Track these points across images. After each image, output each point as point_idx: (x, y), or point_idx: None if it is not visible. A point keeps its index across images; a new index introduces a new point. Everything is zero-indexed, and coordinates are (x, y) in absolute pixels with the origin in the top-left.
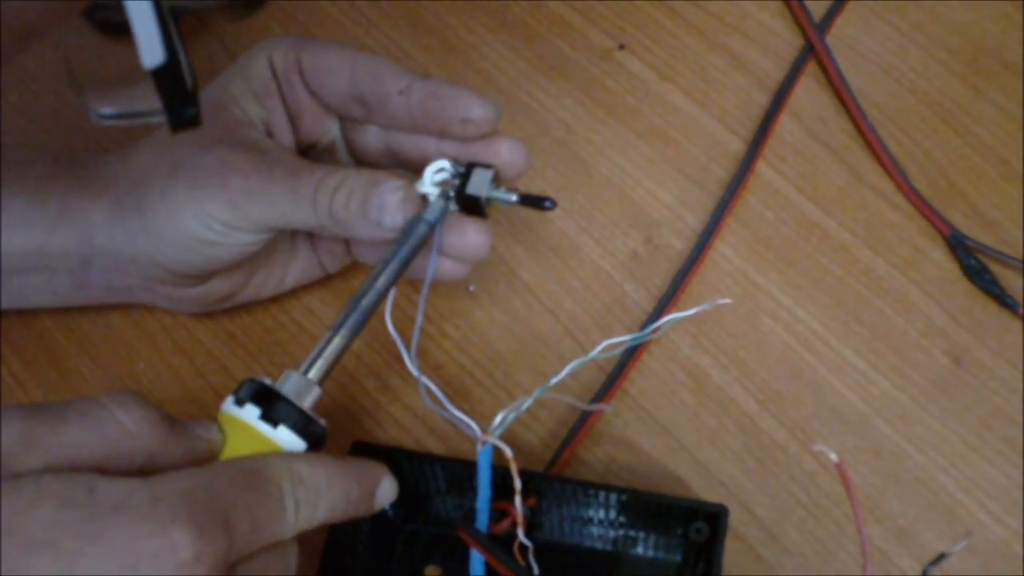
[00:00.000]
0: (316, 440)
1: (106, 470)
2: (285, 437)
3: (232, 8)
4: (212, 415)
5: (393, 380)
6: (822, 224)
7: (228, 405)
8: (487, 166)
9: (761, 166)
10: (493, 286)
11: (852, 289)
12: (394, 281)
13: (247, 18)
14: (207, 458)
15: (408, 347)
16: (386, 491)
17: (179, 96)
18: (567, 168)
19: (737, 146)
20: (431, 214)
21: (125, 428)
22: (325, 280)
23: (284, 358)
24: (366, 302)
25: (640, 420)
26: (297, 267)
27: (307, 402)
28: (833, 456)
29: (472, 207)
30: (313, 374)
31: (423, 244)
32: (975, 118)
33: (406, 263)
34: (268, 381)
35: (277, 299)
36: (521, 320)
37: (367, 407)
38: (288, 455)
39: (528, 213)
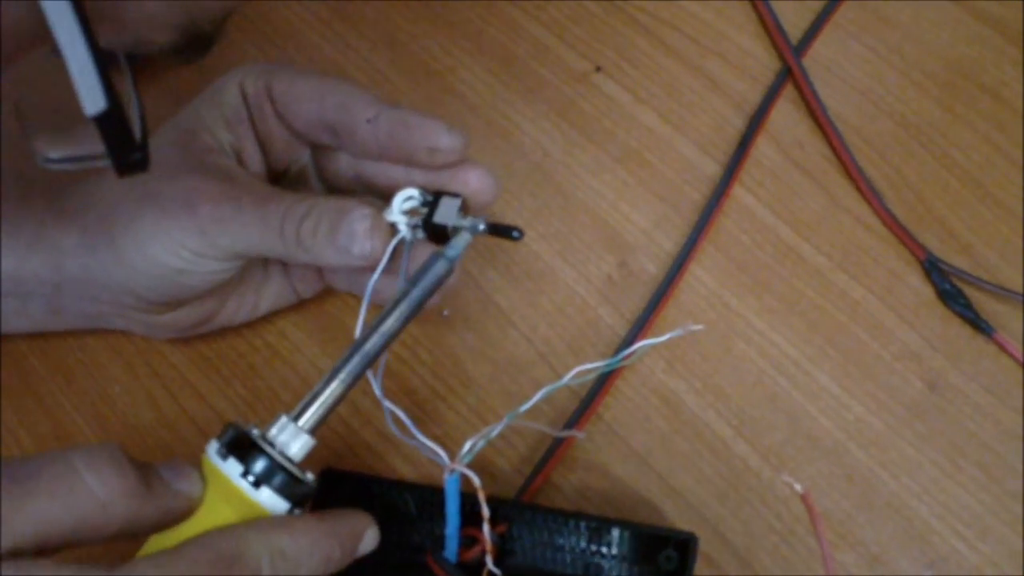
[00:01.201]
0: (302, 500)
1: (78, 542)
2: (268, 499)
3: (179, 52)
4: (187, 441)
5: (365, 404)
6: (798, 248)
7: (212, 452)
8: (455, 195)
9: (737, 189)
10: (467, 310)
11: (827, 314)
12: (405, 324)
13: (196, 61)
14: (186, 515)
15: (375, 373)
16: (368, 542)
17: (124, 142)
18: (543, 192)
19: (713, 169)
20: (453, 250)
21: (97, 497)
22: (299, 305)
23: (258, 382)
24: (370, 347)
25: (613, 446)
26: (270, 293)
27: (297, 453)
28: (798, 487)
29: (440, 236)
30: (305, 422)
31: (441, 284)
32: (952, 141)
33: (420, 306)
34: (255, 431)
35: (251, 324)
36: (495, 345)
37: (339, 431)
38: (269, 526)
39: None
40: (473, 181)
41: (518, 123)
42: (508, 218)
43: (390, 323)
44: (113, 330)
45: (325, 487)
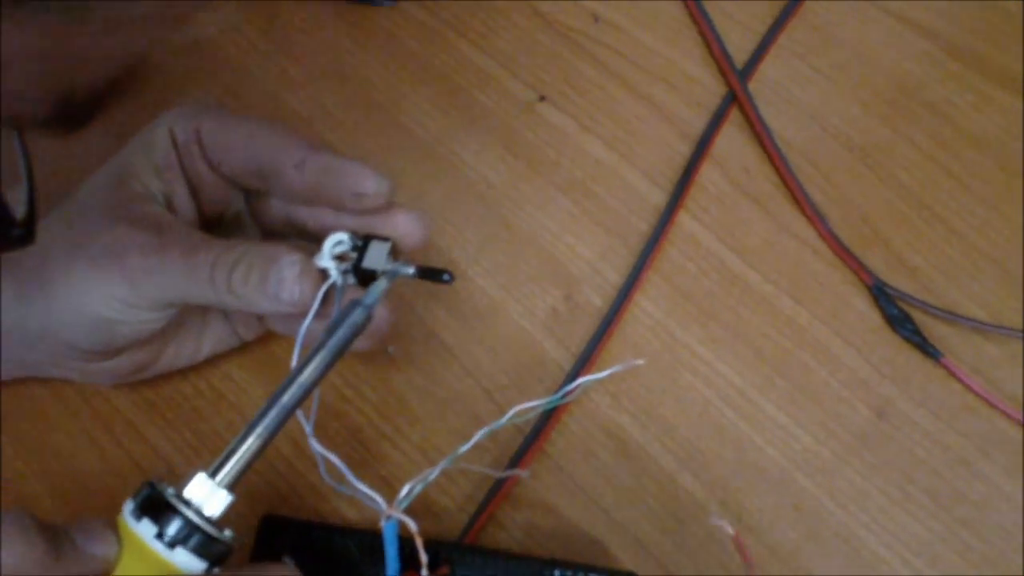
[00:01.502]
0: (219, 558)
1: None
2: (184, 560)
3: (50, 126)
4: (132, 488)
5: (308, 446)
6: (744, 275)
7: (126, 512)
8: (385, 239)
9: (683, 217)
10: (412, 348)
11: (774, 341)
12: (324, 374)
13: (71, 135)
14: None
15: (309, 417)
16: None
17: (2, 219)
18: (488, 224)
19: (658, 198)
20: (370, 297)
21: (6, 566)
22: (244, 346)
23: (202, 425)
24: (288, 399)
25: (559, 482)
26: (212, 337)
27: (214, 511)
28: (729, 529)
29: (370, 281)
30: (222, 479)
31: (360, 332)
32: (898, 162)
33: (338, 355)
34: (170, 490)
35: (196, 366)
36: (440, 382)
37: (283, 472)
38: None
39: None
40: (402, 224)
41: (463, 155)
42: (453, 252)
43: (307, 374)
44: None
45: (266, 533)
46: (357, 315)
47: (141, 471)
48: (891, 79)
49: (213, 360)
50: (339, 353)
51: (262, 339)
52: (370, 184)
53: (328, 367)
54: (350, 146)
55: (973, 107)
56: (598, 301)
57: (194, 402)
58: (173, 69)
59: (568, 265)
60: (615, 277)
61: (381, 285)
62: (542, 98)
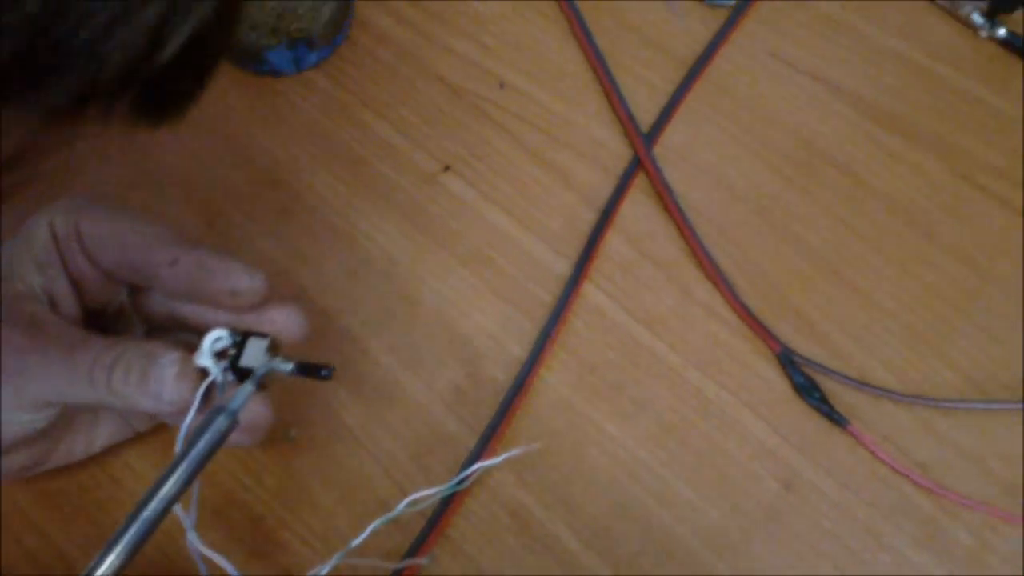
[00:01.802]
0: None
1: None
2: None
3: None
4: None
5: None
6: (651, 346)
7: None
8: (263, 335)
9: (587, 287)
10: (315, 431)
11: (681, 415)
12: (186, 486)
13: None
14: None
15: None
16: None
17: None
18: (390, 300)
19: (563, 267)
20: (235, 402)
21: None
22: (144, 435)
23: (102, 516)
24: (149, 513)
25: (462, 567)
26: (104, 430)
27: None
28: None
29: (249, 378)
30: None
31: (226, 437)
32: (808, 225)
33: (201, 464)
34: None
35: (95, 456)
36: (342, 465)
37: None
38: None
39: (349, 350)
40: (280, 320)
41: (365, 230)
42: (354, 330)
43: (169, 487)
44: None
45: None
46: (220, 422)
47: (39, 567)
48: (801, 139)
49: (113, 450)
50: (203, 461)
51: (162, 427)
52: (243, 281)
53: (192, 476)
54: (251, 221)
55: (884, 167)
56: (501, 376)
57: (93, 493)
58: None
59: (471, 340)
60: (519, 351)
61: (246, 390)
62: (446, 168)
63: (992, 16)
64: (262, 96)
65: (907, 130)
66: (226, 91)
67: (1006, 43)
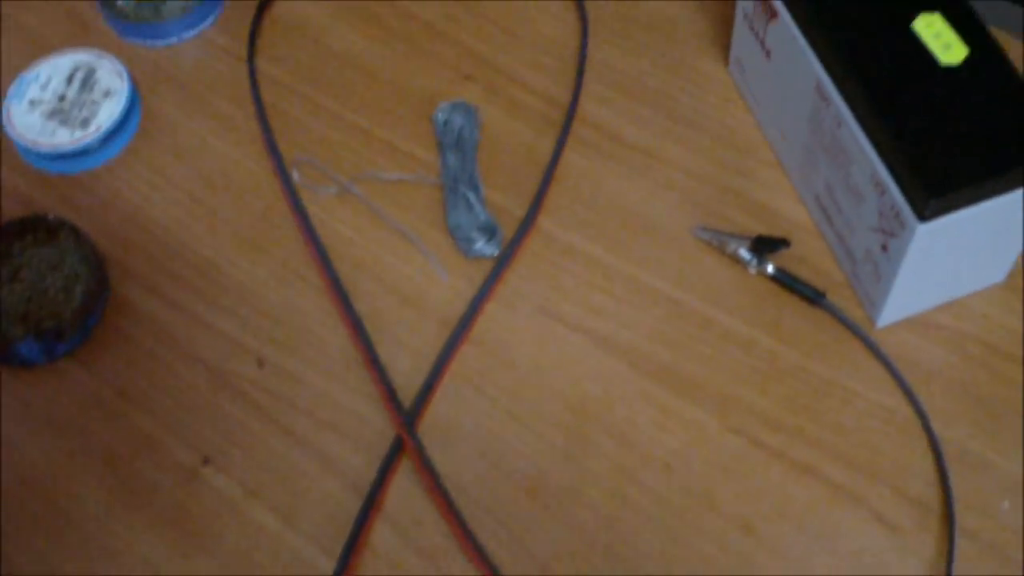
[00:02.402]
0: None
1: None
2: None
3: None
4: None
5: None
6: None
7: None
8: None
9: None
10: None
11: None
12: None
13: None
14: None
15: None
16: None
17: None
18: None
19: (326, 565)
20: None
21: None
22: None
23: None
24: None
25: None
26: None
27: None
28: None
29: None
30: None
31: None
32: (577, 500)
33: None
34: None
35: None
36: None
37: None
38: None
39: None
40: None
41: (124, 537)
42: None
43: None
44: None
45: None
46: None
47: None
48: (572, 404)
49: None
50: None
51: None
52: None
53: None
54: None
55: (659, 427)
56: None
57: None
58: None
59: None
60: None
61: None
62: (206, 461)
63: (758, 253)
64: (12, 390)
65: (681, 384)
66: None
67: (775, 279)
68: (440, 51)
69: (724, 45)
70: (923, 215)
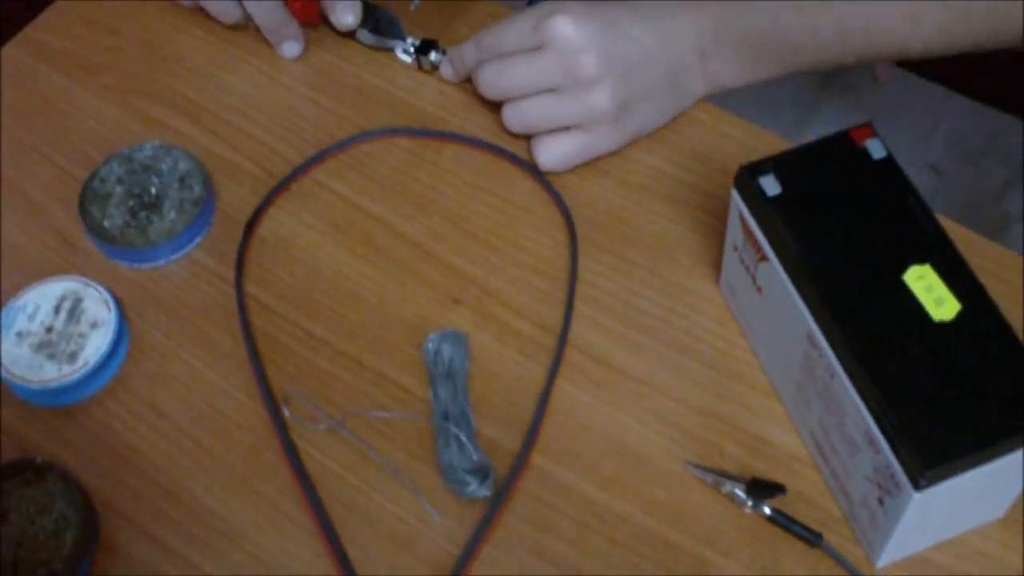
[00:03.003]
0: None
1: None
2: None
3: None
4: None
5: None
6: None
7: None
8: None
9: None
10: None
11: None
12: None
13: None
14: None
15: None
16: None
17: None
18: None
19: None
20: None
21: None
22: None
23: None
24: None
25: None
26: None
27: None
28: None
29: None
30: None
31: None
32: None
33: None
34: None
35: None
36: None
37: None
38: None
39: None
40: None
41: None
42: None
43: None
44: None
45: None
46: None
47: None
48: None
49: None
50: None
51: None
52: None
53: None
54: None
55: None
56: None
57: None
58: None
59: None
60: None
61: None
62: None
63: (754, 495)
64: None
65: None
66: None
67: (772, 520)
68: (428, 272)
69: (715, 262)
70: (918, 485)
